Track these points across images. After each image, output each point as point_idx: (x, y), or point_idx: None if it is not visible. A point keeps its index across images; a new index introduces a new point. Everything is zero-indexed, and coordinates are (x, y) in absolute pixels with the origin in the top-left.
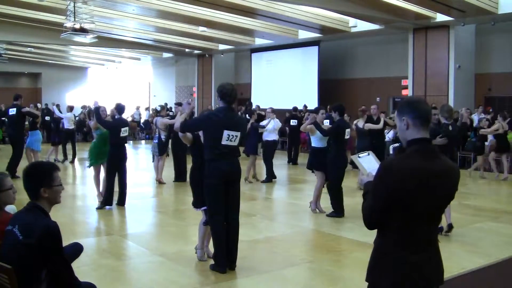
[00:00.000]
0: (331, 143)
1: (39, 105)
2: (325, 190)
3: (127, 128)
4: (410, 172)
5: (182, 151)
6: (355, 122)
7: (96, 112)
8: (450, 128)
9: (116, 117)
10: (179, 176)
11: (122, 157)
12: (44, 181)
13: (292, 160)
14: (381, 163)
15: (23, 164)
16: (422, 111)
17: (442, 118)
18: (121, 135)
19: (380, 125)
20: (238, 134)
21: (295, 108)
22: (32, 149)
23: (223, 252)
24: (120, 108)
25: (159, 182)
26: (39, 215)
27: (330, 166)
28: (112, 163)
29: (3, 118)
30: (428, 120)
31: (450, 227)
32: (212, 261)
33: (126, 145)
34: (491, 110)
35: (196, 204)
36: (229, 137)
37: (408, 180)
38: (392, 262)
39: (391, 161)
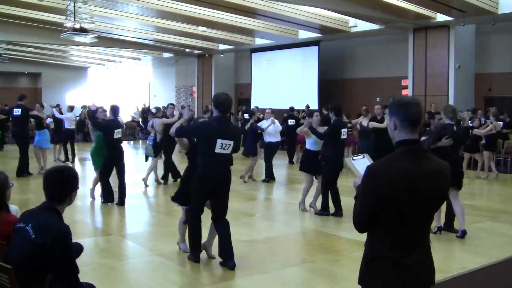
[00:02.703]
0: (327, 144)
1: (44, 104)
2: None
3: (120, 130)
4: (397, 175)
5: (170, 153)
6: (359, 121)
7: (92, 115)
8: (455, 128)
9: (111, 118)
10: (166, 177)
11: (118, 157)
12: (75, 186)
13: (290, 160)
14: (367, 166)
15: (30, 163)
16: (411, 114)
17: (446, 119)
18: (115, 136)
19: (384, 124)
20: (231, 143)
21: (291, 108)
22: (41, 147)
23: (199, 244)
24: (114, 109)
25: (158, 182)
26: (54, 217)
27: (325, 165)
28: (107, 164)
29: (9, 120)
30: (417, 122)
31: (464, 233)
32: (211, 261)
33: (121, 145)
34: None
35: (176, 199)
36: (222, 146)
37: (395, 183)
38: (383, 265)
39: (377, 164)
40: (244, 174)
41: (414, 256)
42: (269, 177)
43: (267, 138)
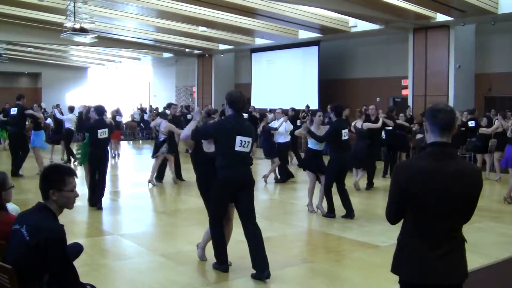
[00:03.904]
0: (329, 145)
1: (43, 105)
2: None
3: (105, 130)
4: (417, 172)
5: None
6: (353, 123)
7: (79, 115)
8: None
9: (96, 118)
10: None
11: (102, 158)
12: (54, 184)
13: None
14: (395, 164)
15: (30, 163)
16: (439, 120)
17: None
18: (99, 136)
19: (379, 124)
20: (250, 140)
21: (293, 109)
22: (37, 147)
23: (224, 251)
24: (99, 110)
25: (150, 182)
26: (47, 217)
27: (328, 166)
28: (91, 164)
29: (5, 118)
30: (446, 127)
31: None
32: (208, 259)
33: (107, 147)
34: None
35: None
36: (242, 143)
37: (415, 180)
38: (409, 256)
39: (402, 162)
40: (268, 175)
41: (439, 250)
42: (288, 176)
43: (277, 139)
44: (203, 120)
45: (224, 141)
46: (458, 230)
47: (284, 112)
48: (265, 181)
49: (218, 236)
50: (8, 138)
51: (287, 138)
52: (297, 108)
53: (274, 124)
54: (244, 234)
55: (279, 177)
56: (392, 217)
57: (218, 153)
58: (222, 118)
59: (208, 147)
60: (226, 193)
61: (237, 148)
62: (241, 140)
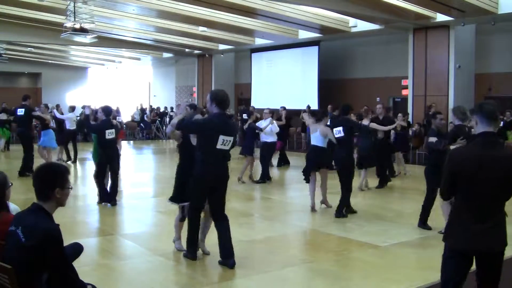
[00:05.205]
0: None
1: (50, 105)
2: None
3: (113, 130)
4: (466, 157)
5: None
6: (359, 122)
7: (86, 117)
8: (466, 129)
9: (103, 119)
10: None
11: (111, 157)
12: (59, 182)
13: (284, 161)
14: (450, 151)
15: (37, 163)
16: (486, 112)
17: (456, 120)
18: (107, 137)
19: (385, 128)
20: (231, 139)
21: (284, 108)
22: (46, 147)
23: (196, 241)
24: (106, 110)
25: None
26: (42, 218)
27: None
28: (101, 163)
29: (11, 118)
30: (492, 118)
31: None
32: (210, 261)
33: (116, 146)
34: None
35: (175, 199)
36: (223, 142)
37: (464, 163)
38: (456, 227)
39: (455, 149)
40: (240, 175)
41: (481, 224)
42: (265, 178)
43: (263, 138)
44: (188, 114)
45: (207, 138)
46: (502, 206)
47: (272, 112)
48: (242, 181)
49: (194, 226)
50: (8, 138)
51: (274, 139)
52: (297, 108)
53: (261, 123)
54: (214, 225)
55: (253, 177)
56: (445, 195)
57: (198, 148)
58: (208, 115)
59: (194, 140)
60: (204, 187)
61: (218, 146)
62: (223, 139)
